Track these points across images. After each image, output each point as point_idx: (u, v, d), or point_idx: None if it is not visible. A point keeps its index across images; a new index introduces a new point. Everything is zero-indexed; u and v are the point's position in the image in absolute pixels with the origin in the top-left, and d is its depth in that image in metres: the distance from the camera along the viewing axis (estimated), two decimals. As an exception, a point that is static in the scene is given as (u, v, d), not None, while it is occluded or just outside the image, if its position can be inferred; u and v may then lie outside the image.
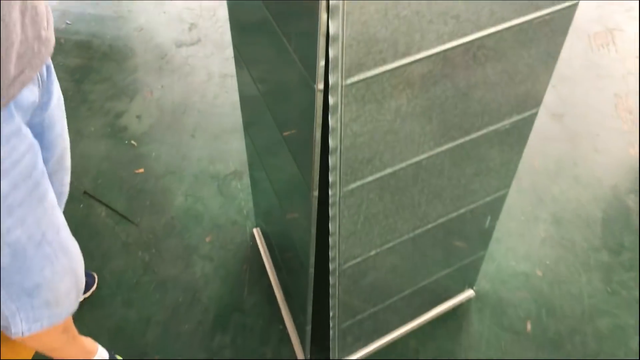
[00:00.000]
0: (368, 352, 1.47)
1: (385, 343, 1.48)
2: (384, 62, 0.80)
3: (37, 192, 0.87)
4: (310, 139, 0.88)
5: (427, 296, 1.49)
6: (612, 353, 1.45)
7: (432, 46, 0.82)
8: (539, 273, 1.59)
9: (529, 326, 1.49)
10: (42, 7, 0.86)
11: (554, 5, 0.87)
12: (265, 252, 1.66)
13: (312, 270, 1.16)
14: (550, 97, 1.98)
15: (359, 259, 1.15)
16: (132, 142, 1.90)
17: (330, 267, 1.13)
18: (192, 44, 2.21)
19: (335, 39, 0.73)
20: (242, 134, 1.92)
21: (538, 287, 1.56)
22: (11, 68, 0.78)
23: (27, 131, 0.86)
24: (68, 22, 2.30)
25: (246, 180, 1.80)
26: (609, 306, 1.53)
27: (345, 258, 1.13)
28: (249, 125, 1.39)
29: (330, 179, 0.93)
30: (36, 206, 0.88)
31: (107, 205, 1.74)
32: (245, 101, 1.33)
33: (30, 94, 0.86)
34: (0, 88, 0.75)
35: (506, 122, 1.05)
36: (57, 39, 2.23)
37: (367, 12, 0.73)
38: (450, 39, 0.83)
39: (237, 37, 1.20)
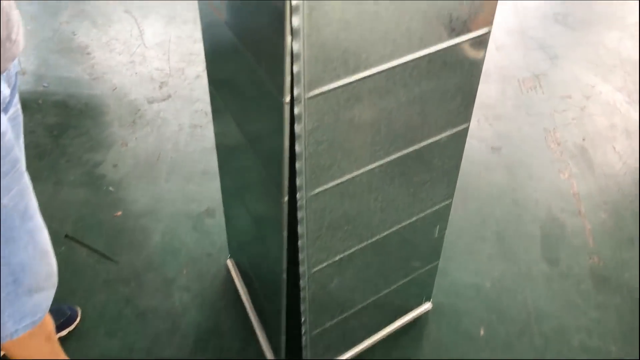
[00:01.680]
0: (338, 362, 1.59)
1: (353, 355, 1.61)
2: (338, 78, 0.99)
3: (17, 167, 1.00)
4: (279, 148, 1.06)
5: (389, 308, 1.63)
6: (557, 350, 1.61)
7: (376, 65, 1.02)
8: (488, 285, 1.76)
9: (482, 331, 1.65)
10: (14, 15, 1.02)
11: (469, 34, 1.09)
12: (239, 280, 1.79)
13: (284, 275, 1.30)
14: (488, 133, 2.22)
15: (325, 264, 1.30)
16: (110, 188, 2.04)
17: (300, 270, 1.28)
18: (163, 99, 2.40)
19: (298, 57, 0.92)
20: (212, 176, 2.08)
21: (488, 297, 1.73)
22: None
23: (3, 116, 0.98)
24: (45, 84, 2.46)
25: (218, 217, 1.94)
26: (551, 310, 1.70)
27: (313, 262, 1.28)
28: (223, 156, 1.56)
29: (298, 182, 1.09)
30: (18, 179, 1.00)
31: (87, 246, 1.85)
32: (219, 129, 1.49)
33: (5, 88, 1.01)
34: None
35: (443, 135, 1.24)
36: (35, 100, 2.39)
37: (323, 35, 0.92)
38: (390, 59, 1.03)
39: (212, 66, 1.38)
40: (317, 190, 1.13)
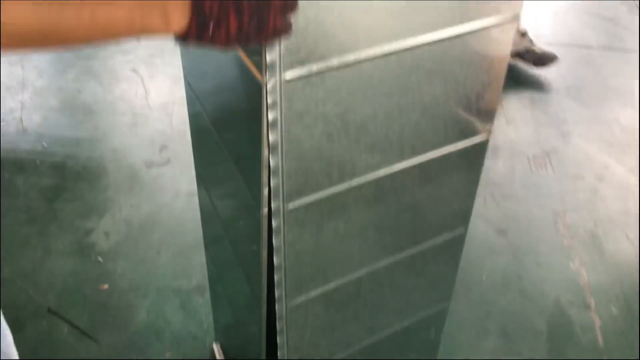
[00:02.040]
0: None
1: None
2: (321, 189, 0.92)
3: None
4: (257, 258, 0.98)
5: (380, 409, 1.52)
6: None
7: (363, 175, 0.95)
8: (490, 384, 1.65)
9: None
10: None
11: (467, 141, 1.02)
12: (223, 367, 1.69)
13: (263, 382, 1.21)
14: (494, 214, 2.13)
15: (308, 372, 1.21)
16: (99, 258, 1.97)
17: (280, 379, 1.18)
18: (162, 164, 2.35)
19: (276, 171, 0.85)
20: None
21: (489, 399, 1.61)
22: None
23: None
24: (45, 144, 2.43)
25: (208, 295, 1.85)
26: (557, 417, 1.58)
27: (295, 371, 1.19)
28: (208, 243, 1.49)
29: (277, 294, 1.01)
30: None
31: (69, 322, 1.77)
32: (205, 221, 1.43)
33: None
34: None
35: (437, 240, 1.16)
36: (33, 161, 2.35)
37: (303, 149, 0.86)
38: (378, 168, 0.96)
39: (200, 167, 1.33)
40: (298, 301, 1.05)
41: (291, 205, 0.90)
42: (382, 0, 0.77)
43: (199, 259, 1.97)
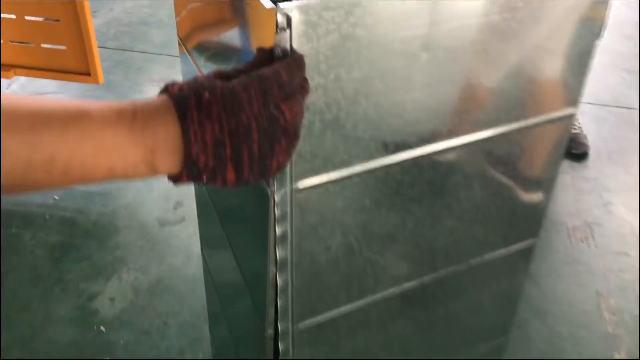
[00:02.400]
0: None
1: None
2: (337, 307, 0.78)
3: None
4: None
5: None
6: None
7: (387, 288, 0.81)
8: None
9: None
10: None
11: (509, 248, 0.87)
12: None
13: None
14: (532, 293, 1.95)
15: None
16: (102, 327, 1.84)
17: None
18: (176, 223, 2.23)
19: (284, 290, 0.71)
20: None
21: None
22: None
23: None
24: (56, 197, 2.34)
25: (215, 375, 1.71)
26: None
27: None
28: (212, 325, 1.36)
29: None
30: None
31: (64, 400, 1.64)
32: (209, 301, 1.30)
33: None
34: None
35: (473, 352, 1.01)
36: (42, 215, 2.26)
37: (318, 263, 0.72)
38: (406, 281, 0.82)
39: (205, 246, 1.21)
40: None
41: (302, 325, 0.77)
42: (416, 99, 0.64)
43: (208, 333, 1.82)
